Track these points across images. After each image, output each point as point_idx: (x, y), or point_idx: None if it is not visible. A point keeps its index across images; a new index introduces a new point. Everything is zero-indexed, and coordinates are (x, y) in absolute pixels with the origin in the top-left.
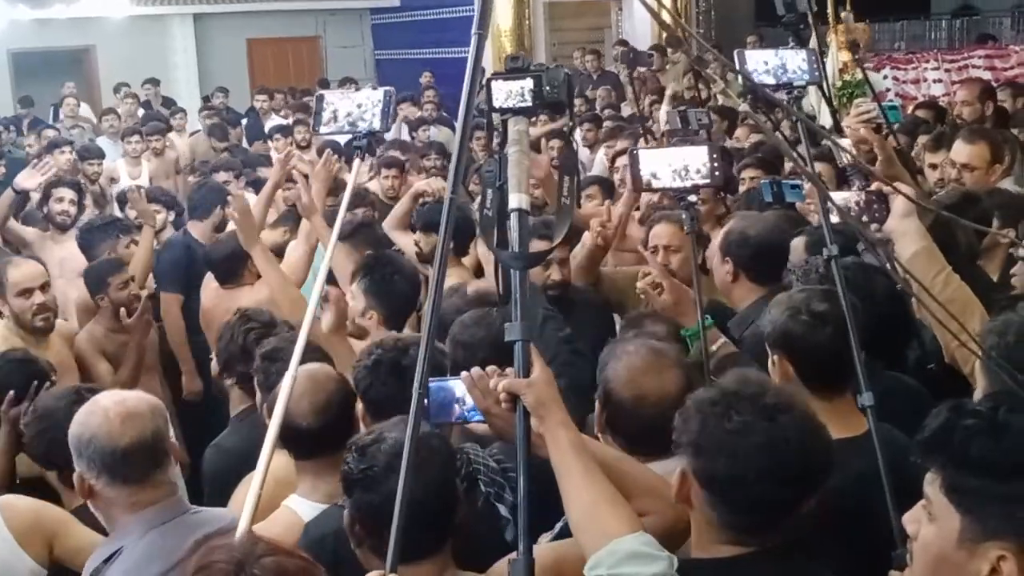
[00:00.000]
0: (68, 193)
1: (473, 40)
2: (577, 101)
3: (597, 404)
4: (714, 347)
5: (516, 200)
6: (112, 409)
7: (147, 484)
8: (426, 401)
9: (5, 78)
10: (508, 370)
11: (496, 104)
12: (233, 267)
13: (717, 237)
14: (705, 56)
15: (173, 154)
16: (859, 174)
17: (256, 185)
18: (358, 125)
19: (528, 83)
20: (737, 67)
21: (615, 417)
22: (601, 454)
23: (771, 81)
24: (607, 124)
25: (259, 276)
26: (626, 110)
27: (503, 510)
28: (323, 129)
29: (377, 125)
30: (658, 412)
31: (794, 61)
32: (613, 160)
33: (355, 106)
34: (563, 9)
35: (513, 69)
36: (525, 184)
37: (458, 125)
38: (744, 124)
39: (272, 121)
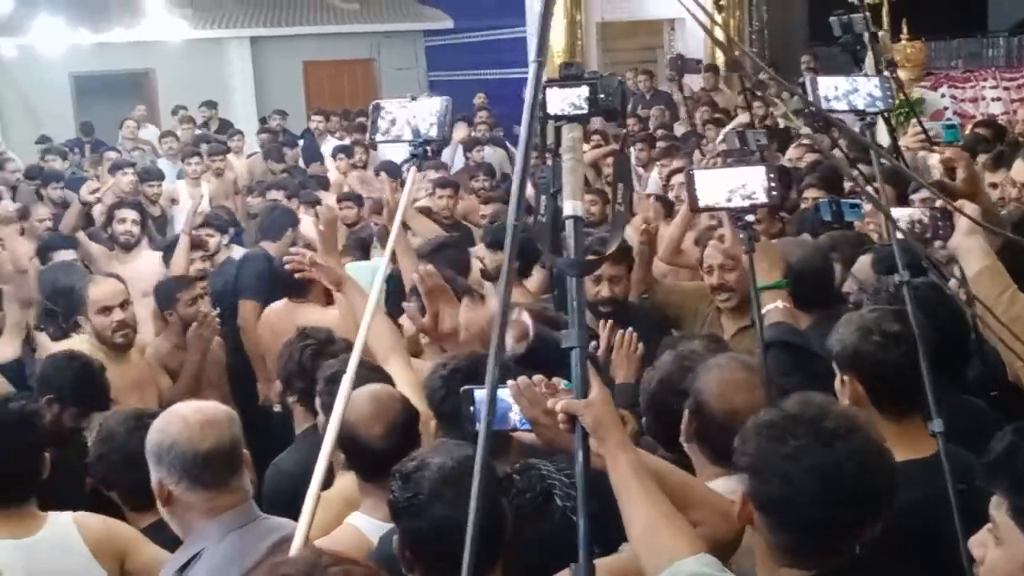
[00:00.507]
0: (131, 214)
1: (532, 68)
2: (630, 121)
3: (686, 413)
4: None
5: (571, 207)
6: (191, 416)
7: (225, 489)
8: (472, 408)
9: (67, 101)
10: (557, 380)
11: (551, 111)
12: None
13: None
14: (761, 76)
15: (231, 175)
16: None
17: (312, 205)
18: (415, 134)
19: (583, 90)
20: (809, 92)
21: (705, 429)
22: (655, 467)
23: (843, 107)
24: (660, 143)
25: (327, 293)
26: (679, 129)
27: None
28: (379, 137)
29: (434, 134)
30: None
31: (866, 87)
32: (668, 178)
33: (412, 115)
34: (616, 29)
35: (568, 76)
36: (580, 191)
37: (519, 151)
38: (798, 144)
39: (328, 142)
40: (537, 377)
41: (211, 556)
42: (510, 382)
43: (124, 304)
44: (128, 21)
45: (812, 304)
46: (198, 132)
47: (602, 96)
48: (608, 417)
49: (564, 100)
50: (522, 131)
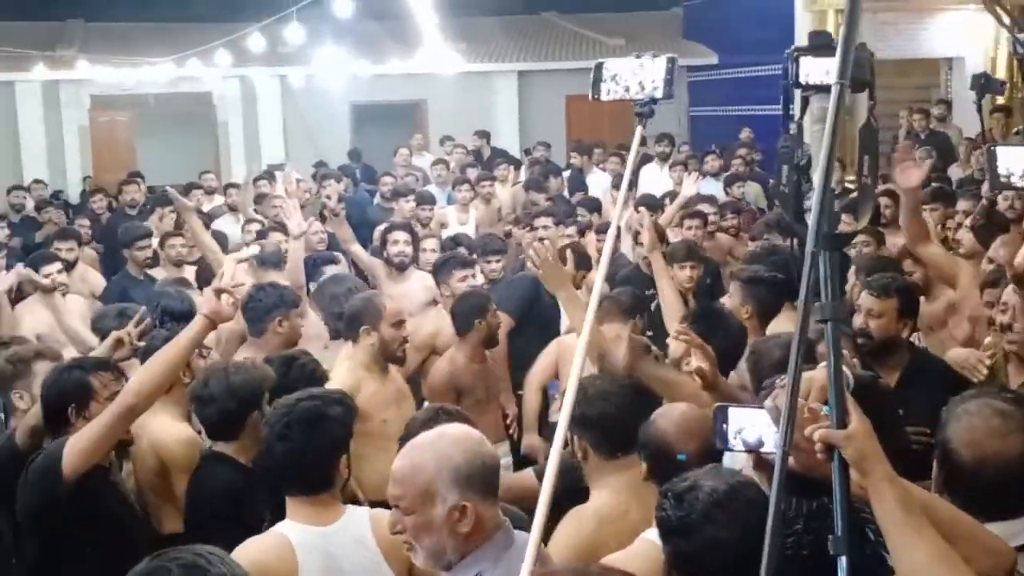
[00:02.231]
0: (403, 235)
1: (834, 89)
2: None
3: (935, 464)
4: None
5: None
6: (471, 435)
7: (496, 502)
8: (724, 426)
9: (345, 128)
10: (817, 406)
11: (802, 80)
12: None
13: None
14: None
15: (497, 203)
16: None
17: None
18: (640, 90)
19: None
20: None
21: (954, 478)
22: (922, 500)
23: None
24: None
25: None
26: (954, 172)
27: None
28: (603, 96)
29: (660, 93)
30: (999, 475)
31: None
32: (943, 224)
33: (635, 73)
34: (889, 67)
35: (819, 46)
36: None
37: (818, 175)
38: None
39: (594, 174)
40: (800, 401)
41: None
42: (768, 403)
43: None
44: (405, 54)
45: None
46: (467, 160)
47: (854, 67)
48: (871, 449)
49: (817, 69)
50: (823, 155)
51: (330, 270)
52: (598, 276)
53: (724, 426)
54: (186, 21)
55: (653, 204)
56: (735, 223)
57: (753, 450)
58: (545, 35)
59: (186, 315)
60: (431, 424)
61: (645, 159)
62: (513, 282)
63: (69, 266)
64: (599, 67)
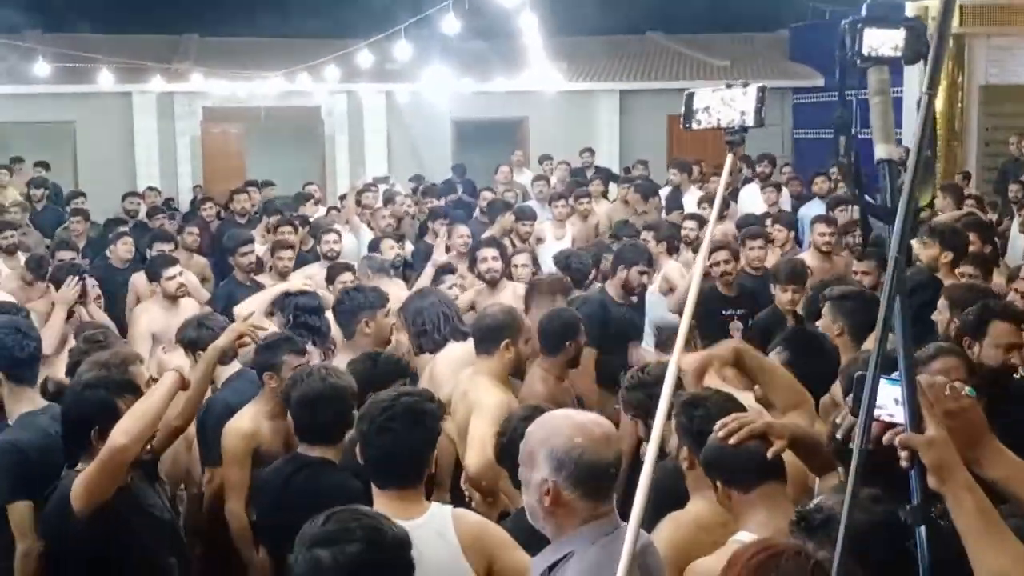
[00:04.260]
0: (491, 252)
1: (924, 99)
2: (1013, 187)
3: None
4: None
5: (884, 151)
6: (595, 428)
7: (608, 499)
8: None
9: (447, 144)
10: (960, 385)
11: (865, 51)
12: None
13: None
14: None
15: (595, 220)
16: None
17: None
18: (731, 120)
19: (902, 33)
20: None
21: None
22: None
23: None
24: None
25: None
26: None
27: None
28: (695, 125)
29: (751, 121)
30: None
31: None
32: None
33: (727, 103)
34: (999, 93)
35: (879, 17)
36: (891, 134)
37: (905, 188)
38: None
39: (691, 194)
40: (941, 378)
41: (580, 559)
42: (920, 377)
43: None
44: (508, 72)
45: None
46: (569, 178)
47: (914, 42)
48: (950, 457)
49: (881, 41)
50: (910, 163)
51: (449, 279)
52: (690, 296)
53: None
54: (297, 37)
55: (752, 223)
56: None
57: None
58: (648, 55)
59: (317, 310)
60: (527, 422)
61: (746, 180)
62: (582, 307)
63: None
64: (690, 97)
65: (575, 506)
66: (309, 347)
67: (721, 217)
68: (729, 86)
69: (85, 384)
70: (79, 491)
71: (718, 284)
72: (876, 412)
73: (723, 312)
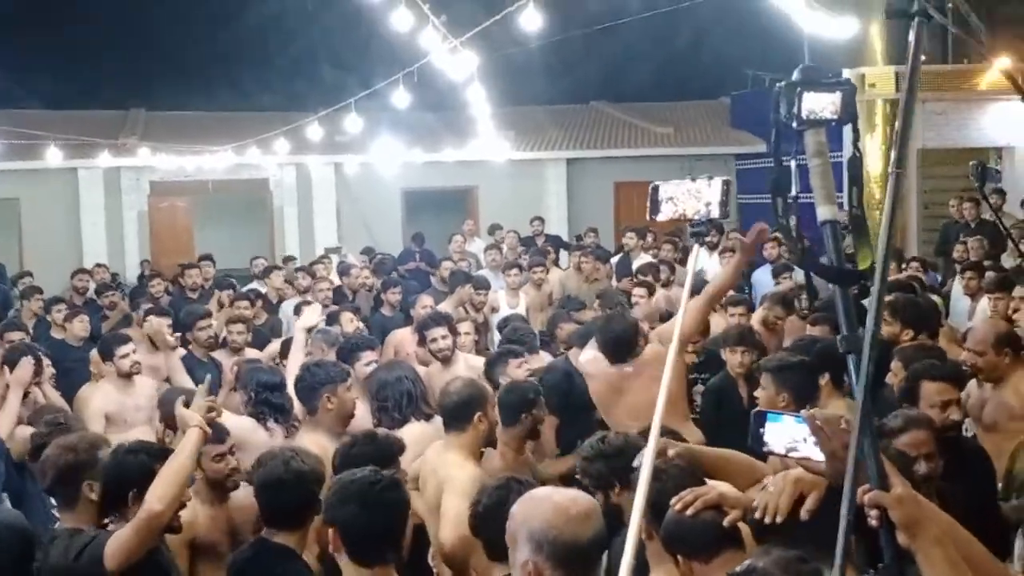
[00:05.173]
0: (440, 331)
1: (891, 179)
2: (959, 248)
3: None
4: None
5: (827, 212)
6: (573, 508)
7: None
8: (761, 431)
9: (398, 214)
10: (851, 420)
11: (804, 114)
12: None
13: None
14: None
15: (548, 288)
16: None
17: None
18: (696, 212)
19: (837, 96)
20: None
21: None
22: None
23: None
24: (989, 274)
25: None
26: (1007, 261)
27: None
28: (660, 217)
29: (716, 213)
30: None
31: None
32: (1013, 312)
33: (692, 194)
34: (936, 156)
35: (814, 80)
36: (832, 195)
37: (879, 257)
38: None
39: (641, 259)
40: (833, 412)
41: None
42: (804, 412)
43: None
44: (457, 142)
45: None
46: (520, 248)
47: (849, 104)
48: (919, 513)
49: (821, 104)
50: (880, 242)
51: (366, 356)
52: (667, 367)
53: (760, 430)
54: (246, 110)
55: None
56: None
57: (785, 455)
58: (594, 123)
59: (278, 386)
60: (501, 491)
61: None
62: (546, 376)
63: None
64: (655, 189)
65: None
66: (271, 424)
67: (668, 283)
68: (694, 179)
69: (127, 450)
70: (114, 551)
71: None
72: (790, 452)
73: (689, 376)
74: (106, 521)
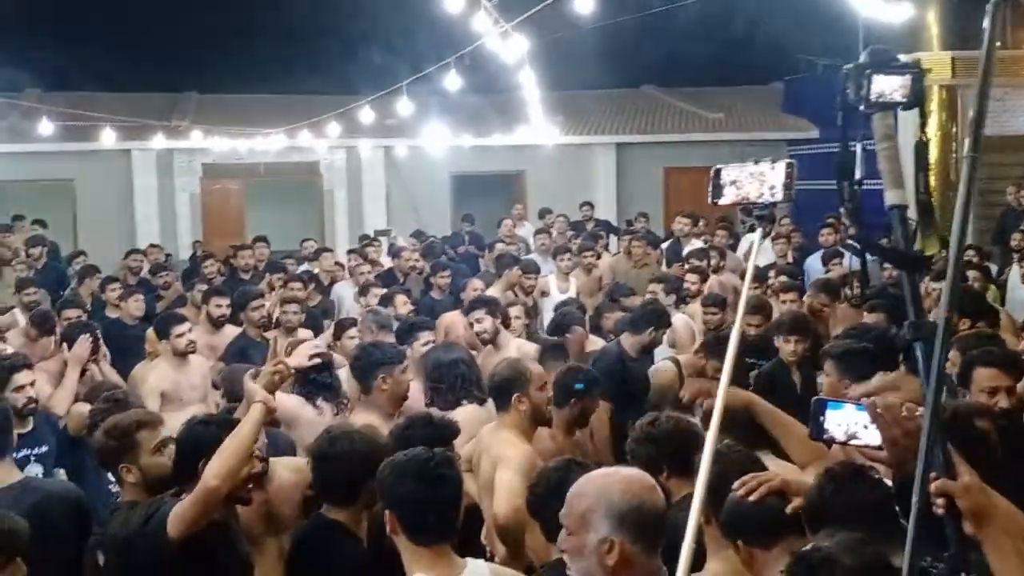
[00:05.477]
0: (478, 314)
1: (967, 163)
2: (1016, 236)
3: None
4: None
5: (895, 196)
6: (644, 479)
7: (658, 553)
8: (821, 419)
9: (446, 197)
10: (912, 406)
11: (873, 97)
12: None
13: None
14: None
15: (598, 272)
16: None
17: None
18: (759, 195)
19: (907, 79)
20: None
21: None
22: None
23: None
24: None
25: None
26: None
27: None
28: (723, 200)
29: (780, 196)
30: None
31: None
32: None
33: (755, 178)
34: (993, 143)
35: (883, 62)
36: (900, 179)
37: (952, 246)
38: None
39: (691, 244)
40: (894, 399)
41: None
42: (865, 400)
43: None
44: (506, 126)
45: None
46: (570, 232)
47: (918, 88)
48: (986, 501)
49: (890, 86)
50: (955, 228)
51: (424, 336)
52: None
53: (821, 418)
54: (297, 93)
55: (759, 275)
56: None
57: (845, 443)
58: (644, 108)
59: (325, 367)
60: (560, 472)
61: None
62: (598, 361)
63: (220, 321)
64: (717, 173)
65: (637, 561)
66: (320, 403)
67: (718, 269)
68: (757, 162)
69: (199, 421)
70: (175, 519)
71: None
72: (851, 440)
73: (747, 359)
74: (177, 489)
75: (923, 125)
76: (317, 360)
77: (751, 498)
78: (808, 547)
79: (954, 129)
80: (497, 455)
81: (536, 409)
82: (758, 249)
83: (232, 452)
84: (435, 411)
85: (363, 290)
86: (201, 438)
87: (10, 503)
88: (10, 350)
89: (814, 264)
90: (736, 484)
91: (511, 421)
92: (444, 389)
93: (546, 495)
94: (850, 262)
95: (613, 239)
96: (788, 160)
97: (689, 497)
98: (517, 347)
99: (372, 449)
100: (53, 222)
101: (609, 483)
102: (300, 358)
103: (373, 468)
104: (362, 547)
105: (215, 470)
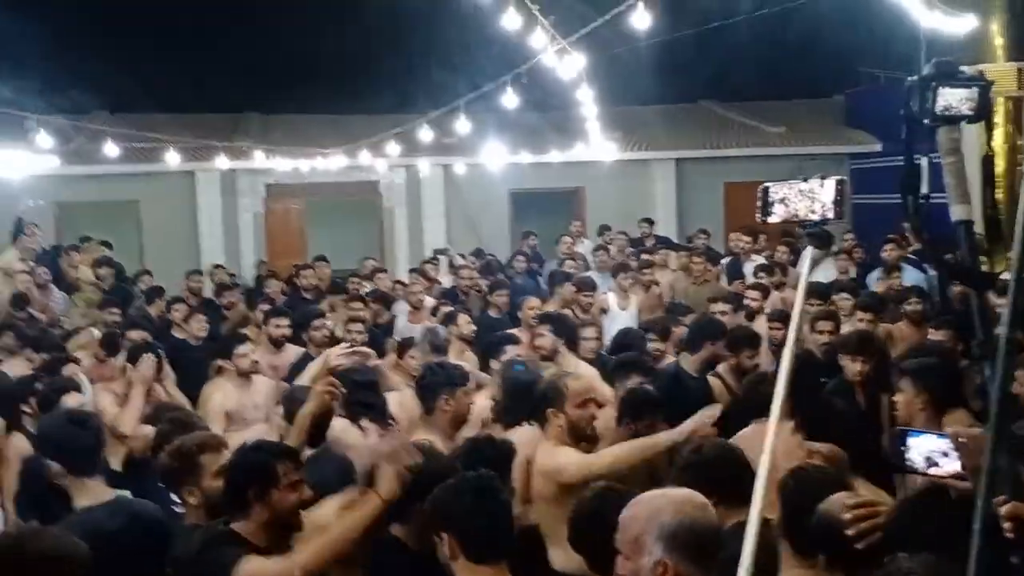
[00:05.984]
0: (542, 329)
1: None
2: None
3: None
4: None
5: (961, 211)
6: (696, 498)
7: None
8: (902, 448)
9: (505, 215)
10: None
11: (939, 110)
12: None
13: None
14: None
15: (658, 289)
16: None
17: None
18: (809, 213)
19: (974, 92)
20: None
21: None
22: None
23: None
24: None
25: None
26: None
27: None
28: (772, 219)
29: (831, 214)
30: None
31: None
32: None
33: (805, 195)
34: None
35: (949, 74)
36: (967, 194)
37: (1014, 256)
38: None
39: (752, 261)
40: (976, 430)
41: None
42: (949, 430)
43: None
44: (564, 143)
45: None
46: (630, 249)
47: (985, 101)
48: None
49: (954, 99)
50: (1017, 233)
51: (511, 351)
52: (782, 369)
53: (902, 448)
54: (356, 113)
55: (822, 292)
56: (919, 308)
57: (926, 472)
58: (702, 123)
59: (371, 386)
60: (595, 501)
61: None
62: (655, 381)
63: (280, 341)
64: (766, 191)
65: None
66: (365, 423)
67: (780, 285)
68: (806, 179)
69: (251, 447)
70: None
71: (816, 351)
72: (931, 468)
73: (821, 379)
74: (227, 519)
75: (989, 139)
76: (355, 357)
77: (859, 527)
78: (889, 564)
79: (1020, 142)
80: (541, 462)
81: (574, 425)
82: (810, 267)
83: (335, 542)
84: (493, 434)
85: (415, 309)
86: (251, 465)
87: (103, 520)
88: (81, 371)
89: (875, 280)
90: (846, 515)
91: (551, 434)
92: (511, 408)
93: (585, 525)
94: (914, 278)
95: (673, 255)
96: (838, 178)
97: (738, 525)
98: (574, 366)
99: (436, 471)
100: (119, 243)
101: (660, 504)
102: (338, 359)
103: (430, 487)
104: (422, 561)
105: (313, 554)
